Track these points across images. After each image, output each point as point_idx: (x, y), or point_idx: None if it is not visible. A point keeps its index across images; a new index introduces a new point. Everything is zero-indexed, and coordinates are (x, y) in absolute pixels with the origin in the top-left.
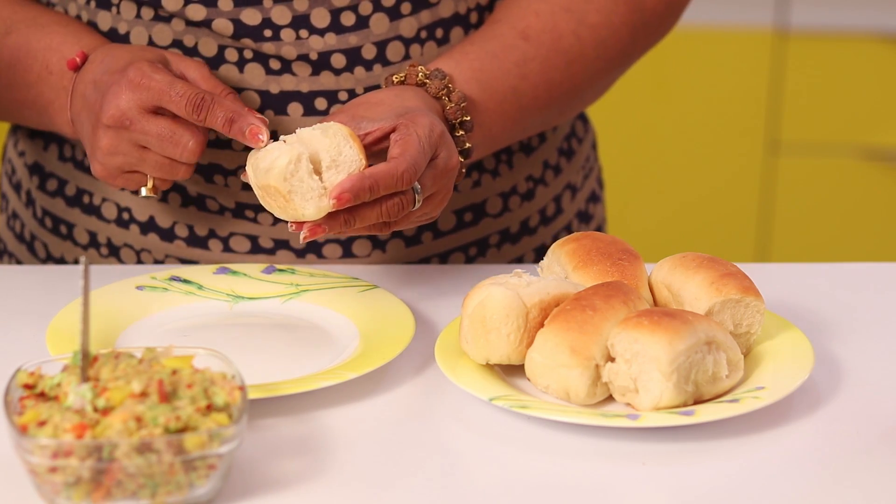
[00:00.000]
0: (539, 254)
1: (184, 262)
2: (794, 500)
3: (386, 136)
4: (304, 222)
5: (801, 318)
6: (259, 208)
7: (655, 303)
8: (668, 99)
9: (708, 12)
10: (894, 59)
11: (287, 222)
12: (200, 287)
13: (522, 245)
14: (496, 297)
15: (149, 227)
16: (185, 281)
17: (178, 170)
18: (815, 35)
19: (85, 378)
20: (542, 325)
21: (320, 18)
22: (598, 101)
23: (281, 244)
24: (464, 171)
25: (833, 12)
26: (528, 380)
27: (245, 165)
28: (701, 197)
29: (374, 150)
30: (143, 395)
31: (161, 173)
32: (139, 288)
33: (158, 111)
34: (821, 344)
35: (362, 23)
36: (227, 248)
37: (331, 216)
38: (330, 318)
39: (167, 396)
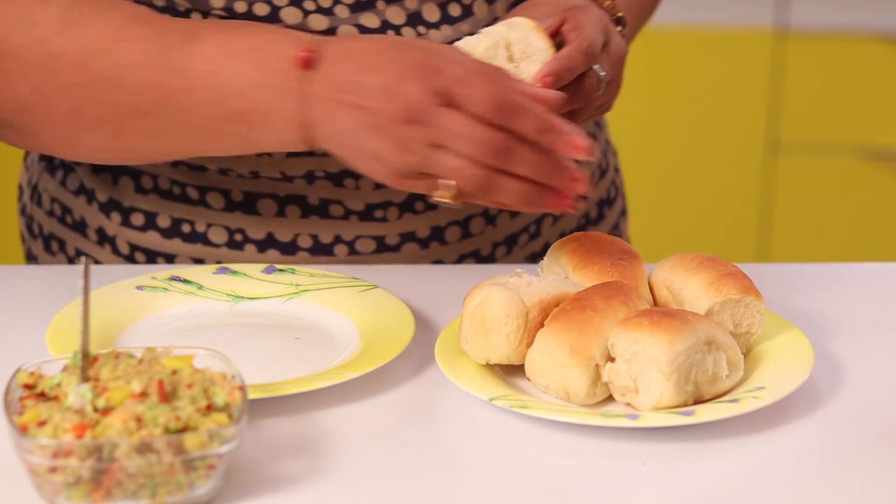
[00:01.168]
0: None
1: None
2: (794, 500)
3: (558, 31)
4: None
5: (801, 318)
6: (387, 205)
7: (655, 303)
8: (668, 99)
9: (708, 12)
10: (894, 59)
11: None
12: (200, 287)
13: (545, 237)
14: (496, 297)
15: (267, 244)
16: (185, 281)
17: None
18: (815, 35)
19: (85, 378)
20: (542, 325)
21: None
22: None
23: (407, 237)
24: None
25: (833, 12)
26: (528, 380)
27: None
28: (701, 197)
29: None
30: (143, 395)
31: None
32: (139, 288)
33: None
34: (821, 344)
35: None
36: (352, 252)
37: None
38: (330, 318)
39: (167, 396)
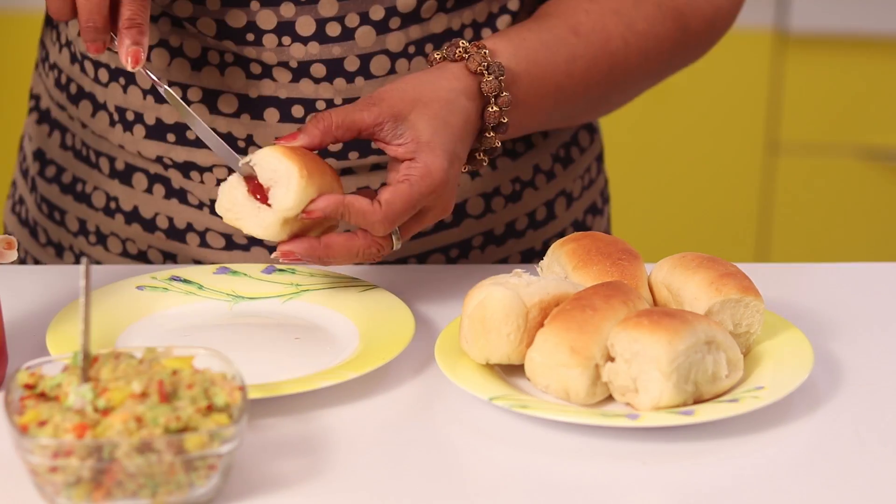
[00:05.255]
0: (526, 257)
1: (164, 254)
2: (794, 500)
3: (402, 161)
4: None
5: (801, 318)
6: None
7: (655, 303)
8: (668, 99)
9: None
10: (894, 59)
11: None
12: (200, 287)
13: (508, 247)
14: (496, 296)
15: (132, 216)
16: (186, 281)
17: None
18: (814, 36)
19: (85, 378)
20: (542, 325)
21: (305, 27)
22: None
23: (256, 241)
24: (485, 162)
25: (833, 14)
26: (528, 380)
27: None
28: (701, 197)
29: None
30: (144, 395)
31: None
32: (139, 288)
33: None
34: (821, 344)
35: (347, 35)
36: (203, 243)
37: (309, 249)
38: (330, 318)
39: (167, 397)
